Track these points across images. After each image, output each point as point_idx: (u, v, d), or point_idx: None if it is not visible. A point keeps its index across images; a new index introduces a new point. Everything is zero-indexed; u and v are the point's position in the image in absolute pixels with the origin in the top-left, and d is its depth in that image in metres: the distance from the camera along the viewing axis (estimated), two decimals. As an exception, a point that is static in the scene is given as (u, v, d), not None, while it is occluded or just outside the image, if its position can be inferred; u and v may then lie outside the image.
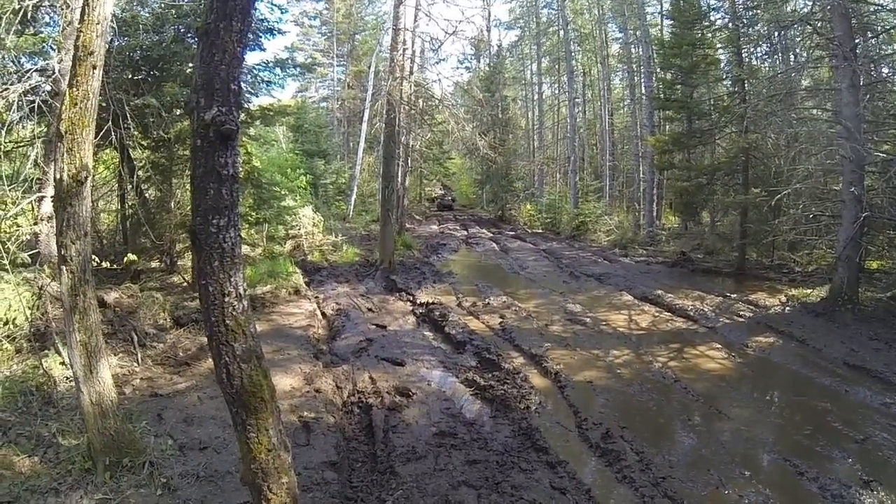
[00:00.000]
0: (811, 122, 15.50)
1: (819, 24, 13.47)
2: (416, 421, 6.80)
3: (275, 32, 12.86)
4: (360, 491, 5.37)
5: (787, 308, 12.05)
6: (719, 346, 9.87)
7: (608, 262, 18.69)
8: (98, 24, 4.93)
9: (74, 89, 4.89)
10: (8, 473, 5.01)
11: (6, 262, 6.97)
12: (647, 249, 20.83)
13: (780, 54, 21.75)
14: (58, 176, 4.94)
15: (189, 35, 11.26)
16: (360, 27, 41.31)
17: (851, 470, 5.87)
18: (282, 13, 17.64)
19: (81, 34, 4.88)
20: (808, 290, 12.74)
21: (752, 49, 21.43)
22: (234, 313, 2.81)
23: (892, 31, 13.61)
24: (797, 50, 21.08)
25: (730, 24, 18.35)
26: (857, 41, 12.17)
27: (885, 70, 15.08)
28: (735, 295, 13.28)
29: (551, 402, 7.52)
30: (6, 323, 7.29)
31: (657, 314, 12.02)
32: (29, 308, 7.49)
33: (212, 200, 2.73)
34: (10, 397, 6.26)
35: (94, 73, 4.95)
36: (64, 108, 4.94)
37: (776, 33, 20.45)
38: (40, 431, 5.77)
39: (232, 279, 2.80)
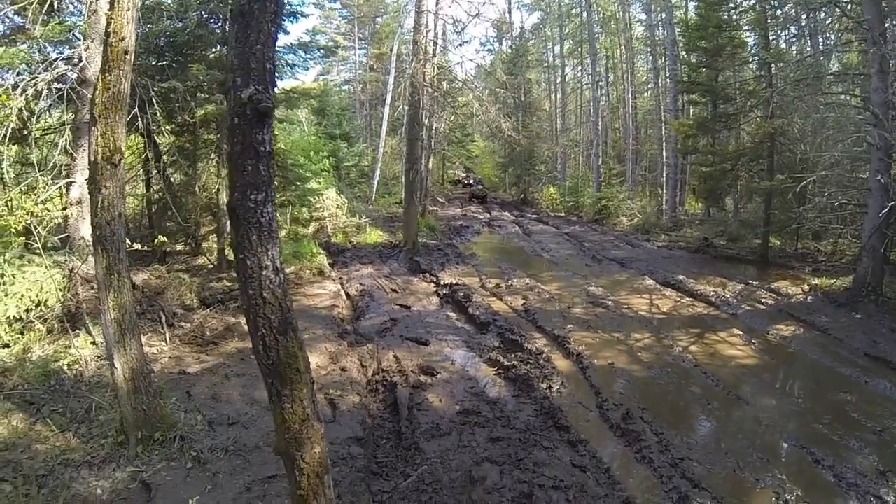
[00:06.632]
0: (839, 107, 15.19)
1: (848, 7, 13.18)
2: (440, 399, 6.93)
3: (297, 16, 12.99)
4: (386, 466, 5.52)
5: (810, 297, 11.91)
6: (740, 332, 9.83)
7: (630, 247, 18.62)
8: (128, 10, 5.04)
9: (107, 74, 5.00)
10: (43, 448, 5.22)
11: (38, 245, 7.17)
12: (669, 234, 20.66)
13: (808, 37, 21.27)
14: (92, 159, 5.07)
15: (212, 20, 11.38)
16: (381, 10, 41.02)
17: (868, 460, 5.86)
18: (304, -4, 17.69)
19: (112, 20, 4.98)
20: (832, 280, 12.58)
21: (779, 31, 21.00)
22: (271, 286, 2.90)
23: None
24: (826, 33, 20.60)
25: (757, 6, 17.91)
26: (886, 25, 11.84)
27: (916, 56, 14.63)
28: (757, 282, 13.16)
29: (573, 383, 7.59)
30: (38, 305, 7.51)
31: (679, 299, 11.97)
32: (60, 290, 7.71)
33: (250, 176, 2.81)
34: (42, 376, 6.51)
35: (125, 57, 5.06)
36: (97, 93, 5.05)
37: (804, 15, 20.00)
38: (73, 408, 5.99)
39: (269, 253, 2.89)
